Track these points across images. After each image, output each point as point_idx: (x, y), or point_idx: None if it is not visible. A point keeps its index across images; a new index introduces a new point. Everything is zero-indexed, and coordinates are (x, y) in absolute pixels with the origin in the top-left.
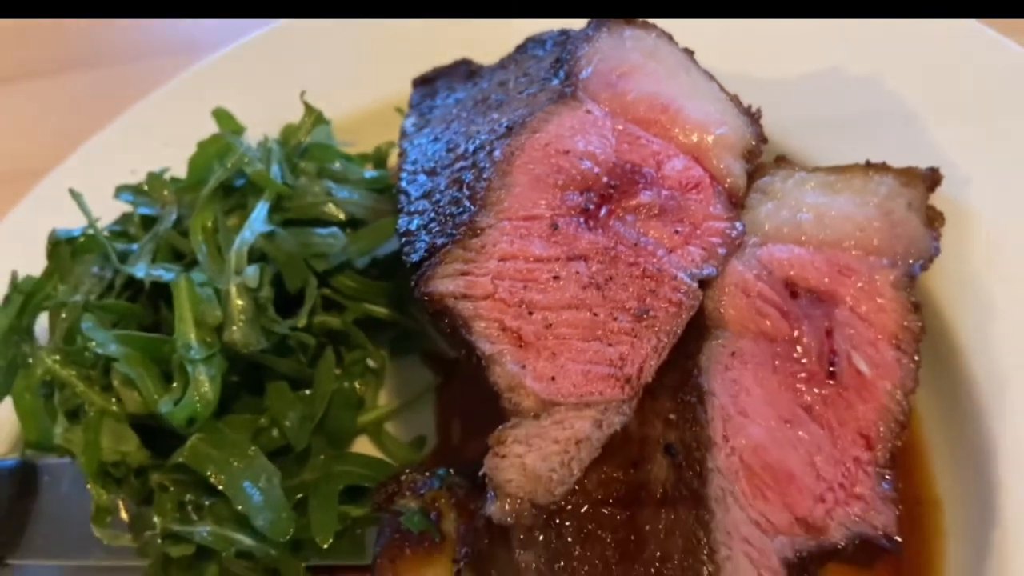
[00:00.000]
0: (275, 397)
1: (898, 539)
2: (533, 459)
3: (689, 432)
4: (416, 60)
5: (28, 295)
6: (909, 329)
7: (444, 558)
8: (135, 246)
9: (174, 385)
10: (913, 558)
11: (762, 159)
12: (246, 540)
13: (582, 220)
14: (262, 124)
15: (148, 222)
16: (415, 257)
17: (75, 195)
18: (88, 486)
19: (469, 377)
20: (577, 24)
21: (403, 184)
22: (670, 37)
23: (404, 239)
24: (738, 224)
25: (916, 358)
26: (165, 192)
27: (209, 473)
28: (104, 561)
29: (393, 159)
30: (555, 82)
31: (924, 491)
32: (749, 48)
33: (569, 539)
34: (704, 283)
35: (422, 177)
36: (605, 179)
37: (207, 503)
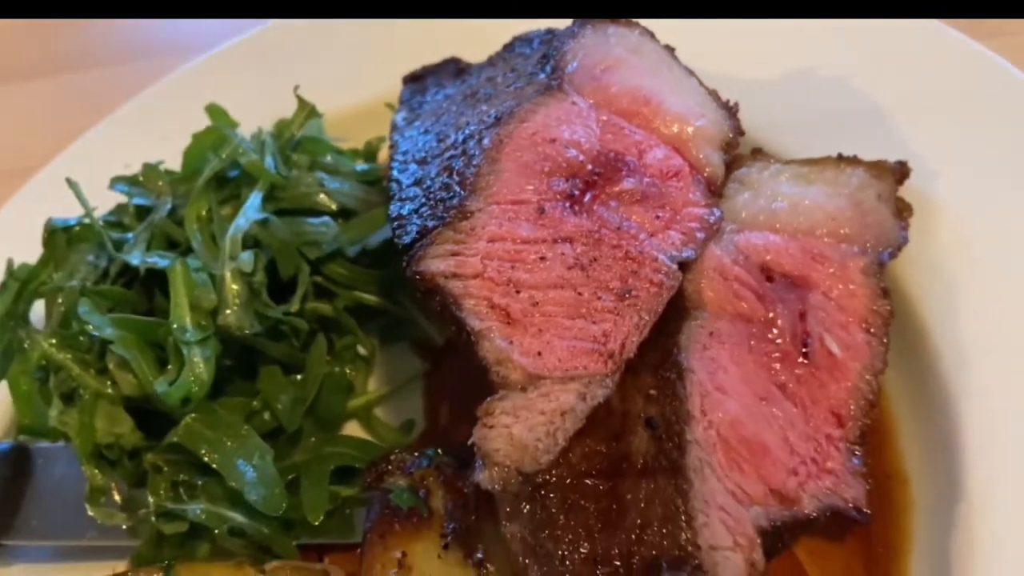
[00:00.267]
0: (268, 380)
1: (868, 511)
2: (520, 429)
3: (669, 406)
4: (406, 59)
5: (24, 282)
6: (878, 313)
7: (432, 533)
8: (130, 235)
9: (169, 367)
10: (882, 530)
11: (739, 151)
12: (238, 517)
13: (567, 205)
14: (255, 121)
15: (143, 212)
16: (407, 239)
17: (72, 184)
18: (82, 467)
19: (458, 362)
20: (563, 24)
21: (395, 173)
22: (652, 35)
23: (396, 223)
24: (716, 210)
25: (885, 340)
26: (160, 183)
27: (203, 452)
28: (97, 542)
29: (384, 153)
30: (542, 76)
31: (893, 466)
32: (727, 47)
33: (554, 510)
34: (684, 266)
35: (413, 166)
36: (590, 166)
37: (200, 483)
